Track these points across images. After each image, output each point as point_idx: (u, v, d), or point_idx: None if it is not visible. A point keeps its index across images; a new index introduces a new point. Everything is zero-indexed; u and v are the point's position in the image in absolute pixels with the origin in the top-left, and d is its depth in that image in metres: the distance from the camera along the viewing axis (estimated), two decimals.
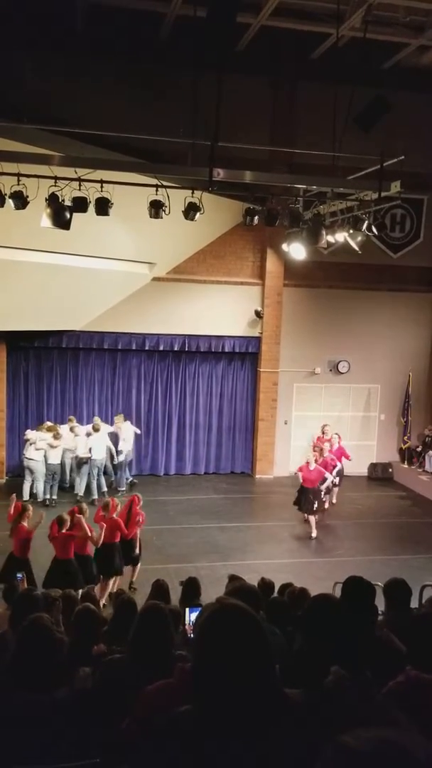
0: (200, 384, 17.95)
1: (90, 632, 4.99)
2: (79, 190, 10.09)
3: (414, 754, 1.14)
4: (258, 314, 17.41)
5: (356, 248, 13.30)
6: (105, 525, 10.42)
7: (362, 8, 12.67)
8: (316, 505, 13.73)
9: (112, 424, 16.03)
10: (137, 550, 11.11)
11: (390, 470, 18.69)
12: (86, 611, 5.24)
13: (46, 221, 10.13)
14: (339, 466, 15.20)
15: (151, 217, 10.70)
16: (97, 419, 15.77)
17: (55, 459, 14.98)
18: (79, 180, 10.00)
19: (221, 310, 17.23)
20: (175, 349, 17.34)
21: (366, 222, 12.14)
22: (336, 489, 15.65)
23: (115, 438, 15.82)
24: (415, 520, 15.36)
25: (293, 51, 15.77)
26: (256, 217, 12.42)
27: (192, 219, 10.91)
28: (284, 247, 15.51)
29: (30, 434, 15.19)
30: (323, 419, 17.46)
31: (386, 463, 18.75)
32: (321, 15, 13.86)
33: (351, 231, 12.60)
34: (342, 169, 12.29)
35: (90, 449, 15.11)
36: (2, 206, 10.02)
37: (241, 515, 15.13)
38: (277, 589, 8.07)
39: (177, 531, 13.54)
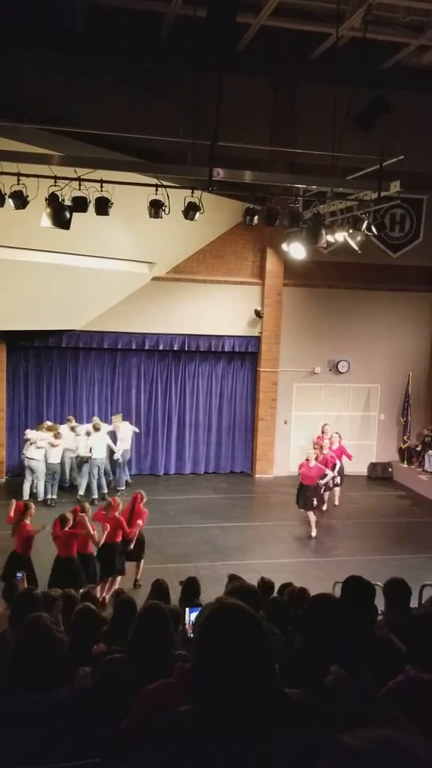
0: (200, 383, 17.95)
1: (90, 632, 5.00)
2: (79, 189, 10.08)
3: (414, 754, 1.15)
4: (258, 314, 17.42)
5: (356, 248, 13.29)
6: (108, 524, 10.45)
7: (362, 8, 12.67)
8: (315, 502, 13.74)
9: (110, 423, 16.03)
10: (137, 547, 11.13)
11: (390, 470, 18.70)
12: (86, 611, 5.25)
13: (46, 221, 10.13)
14: (339, 464, 15.20)
15: (150, 216, 10.70)
16: (96, 419, 15.78)
17: (55, 459, 14.98)
18: (79, 180, 10.00)
19: (221, 310, 17.23)
20: (175, 348, 17.34)
21: (366, 222, 12.14)
22: (337, 489, 15.64)
23: (113, 437, 15.82)
24: (414, 520, 15.36)
25: (293, 51, 15.77)
26: (256, 217, 12.41)
27: (192, 219, 10.91)
28: (284, 246, 15.50)
29: (30, 434, 15.20)
30: (323, 419, 17.45)
31: (386, 462, 18.76)
32: (321, 15, 13.86)
33: (351, 231, 12.60)
34: (342, 169, 12.30)
35: (90, 449, 15.12)
36: (2, 206, 10.01)
37: (241, 515, 15.13)
38: (276, 588, 8.08)
39: (177, 531, 13.54)
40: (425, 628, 3.52)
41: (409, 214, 18.16)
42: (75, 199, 10.10)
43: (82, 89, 14.48)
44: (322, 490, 14.28)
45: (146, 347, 17.15)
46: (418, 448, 18.38)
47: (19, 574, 8.51)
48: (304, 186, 13.62)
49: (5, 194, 9.93)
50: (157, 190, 10.51)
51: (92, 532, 10.18)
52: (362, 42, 12.58)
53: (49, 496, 14.94)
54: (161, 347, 17.23)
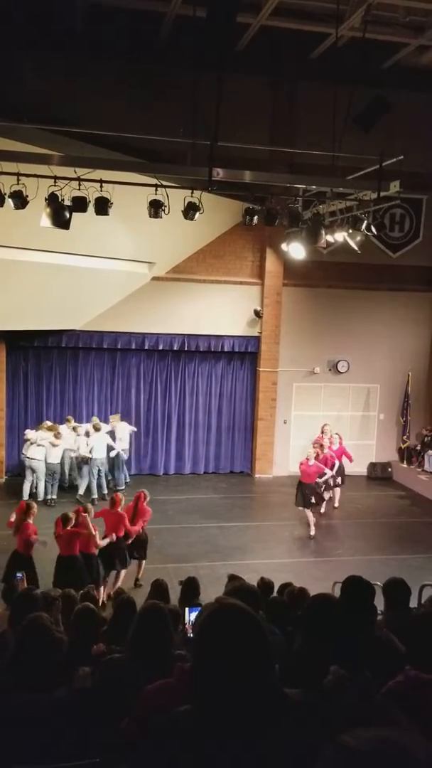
0: (199, 383, 17.95)
1: (89, 632, 5.00)
2: (79, 189, 10.08)
3: (414, 754, 1.15)
4: (257, 314, 17.42)
5: (355, 248, 13.30)
6: (109, 519, 10.51)
7: (362, 8, 12.68)
8: (313, 500, 13.72)
9: (108, 423, 16.03)
10: (140, 547, 11.16)
11: (389, 470, 18.70)
12: (86, 611, 5.25)
13: (45, 221, 10.13)
14: (338, 464, 15.18)
15: (150, 216, 10.70)
16: (95, 419, 15.79)
17: (55, 459, 14.99)
18: (79, 180, 9.99)
19: (221, 310, 17.23)
20: (175, 348, 17.35)
21: (365, 222, 12.14)
22: (338, 490, 15.63)
23: (112, 437, 15.81)
24: (414, 520, 15.36)
25: (293, 51, 15.78)
26: (256, 217, 12.41)
27: (191, 219, 10.91)
28: (284, 246, 15.49)
29: (30, 434, 15.19)
30: (322, 419, 17.45)
31: (385, 462, 18.76)
32: (321, 15, 13.86)
33: (350, 231, 12.60)
34: (341, 169, 12.30)
35: (91, 449, 15.12)
36: (2, 206, 10.01)
37: (241, 515, 15.13)
38: (276, 588, 8.08)
39: (176, 530, 13.54)
40: (425, 628, 3.52)
41: (409, 214, 18.16)
42: (75, 199, 10.10)
43: (82, 89, 14.48)
44: (321, 489, 14.27)
45: (146, 347, 17.16)
46: (418, 448, 18.38)
47: (18, 575, 8.51)
48: (303, 186, 13.62)
49: (5, 194, 9.93)
50: (156, 190, 10.51)
51: (94, 533, 10.19)
52: (362, 42, 12.58)
53: (49, 497, 14.94)
54: (161, 347, 17.23)
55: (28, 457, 14.90)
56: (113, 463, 15.85)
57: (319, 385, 18.22)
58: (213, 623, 1.85)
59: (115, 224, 12.30)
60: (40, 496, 14.80)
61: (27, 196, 9.92)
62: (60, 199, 10.02)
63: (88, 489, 15.25)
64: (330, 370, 18.21)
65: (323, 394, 18.25)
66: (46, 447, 14.88)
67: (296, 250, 14.59)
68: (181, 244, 15.92)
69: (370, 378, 18.49)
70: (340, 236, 12.97)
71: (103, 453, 15.26)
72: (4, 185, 9.92)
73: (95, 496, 15.07)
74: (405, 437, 18.49)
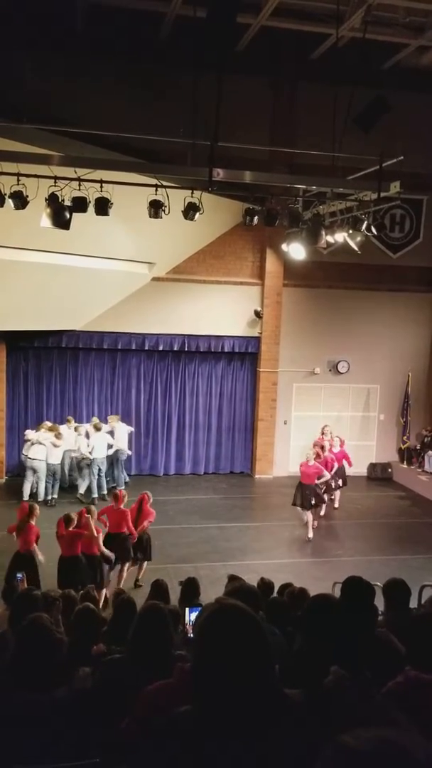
0: (200, 384, 17.95)
1: (90, 632, 4.99)
2: (79, 190, 10.08)
3: (414, 755, 1.15)
4: (257, 314, 17.42)
5: (356, 248, 13.30)
6: (111, 516, 10.62)
7: (362, 9, 12.69)
8: (313, 501, 13.71)
9: (106, 424, 16.03)
10: (142, 548, 11.18)
11: (389, 470, 18.70)
12: (86, 611, 5.25)
13: (45, 221, 10.13)
14: (336, 466, 15.16)
15: (150, 217, 10.70)
16: (95, 419, 15.79)
17: (56, 459, 14.98)
18: (79, 180, 10.00)
19: (221, 310, 17.23)
20: (175, 349, 17.34)
21: (365, 222, 12.15)
22: (338, 492, 15.62)
23: (111, 437, 15.81)
24: (414, 520, 15.36)
25: (293, 51, 15.79)
26: (256, 218, 12.42)
27: (191, 219, 10.91)
28: (284, 247, 15.50)
29: (30, 434, 15.19)
30: (323, 419, 17.46)
31: (385, 463, 18.76)
32: (321, 15, 13.86)
33: (350, 231, 12.60)
34: (342, 170, 12.30)
35: (92, 449, 15.12)
36: (2, 206, 10.01)
37: (241, 515, 15.13)
38: (276, 589, 8.08)
39: (176, 531, 13.53)
40: (425, 629, 3.52)
41: (409, 215, 18.16)
42: (75, 200, 10.10)
43: (82, 89, 14.48)
44: (322, 490, 14.25)
45: (146, 347, 17.15)
46: (418, 449, 18.38)
47: (19, 575, 8.50)
48: (303, 186, 13.62)
49: (5, 194, 9.92)
50: (156, 190, 10.51)
51: (95, 535, 10.18)
52: (362, 42, 12.59)
53: (49, 497, 14.94)
54: (161, 347, 17.23)
55: (29, 458, 14.89)
56: (113, 462, 15.84)
57: (320, 386, 18.22)
58: (213, 624, 1.85)
59: (115, 224, 12.30)
60: (41, 496, 14.79)
61: (27, 196, 9.92)
62: (60, 200, 10.02)
63: (89, 489, 15.25)
64: (330, 370, 18.21)
65: (323, 395, 18.25)
66: (48, 447, 14.87)
67: (296, 251, 14.59)
68: (182, 244, 15.92)
69: (371, 378, 18.49)
70: (340, 237, 12.97)
71: (103, 453, 15.27)
72: (4, 185, 9.91)
73: (95, 495, 15.08)
74: (405, 438, 18.49)
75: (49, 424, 15.52)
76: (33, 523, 9.98)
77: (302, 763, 1.56)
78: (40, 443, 14.88)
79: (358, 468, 17.82)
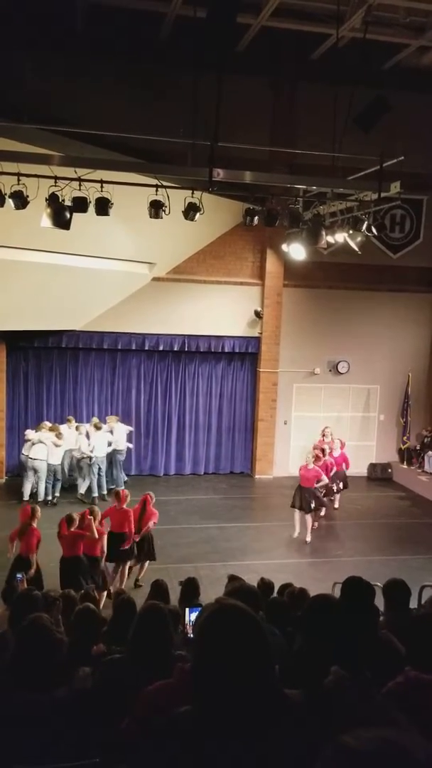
0: (200, 384, 17.95)
1: (89, 632, 4.99)
2: (79, 190, 10.08)
3: (414, 755, 1.14)
4: (258, 314, 17.42)
5: (356, 249, 13.29)
6: (114, 518, 10.66)
7: (362, 9, 12.69)
8: (313, 504, 13.66)
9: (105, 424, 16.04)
10: (145, 548, 11.19)
11: (389, 470, 18.69)
12: (86, 611, 5.24)
13: (46, 221, 10.13)
14: (334, 469, 15.11)
15: (151, 217, 10.70)
16: (95, 419, 15.79)
17: (57, 460, 14.98)
18: (79, 180, 10.00)
19: (221, 311, 17.23)
20: (175, 349, 17.34)
21: (366, 222, 12.14)
22: (338, 495, 15.61)
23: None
24: (414, 521, 15.35)
25: (293, 51, 15.78)
26: (256, 218, 12.42)
27: (192, 219, 10.91)
28: (284, 247, 15.51)
29: (30, 434, 15.18)
30: (323, 420, 17.46)
31: (385, 463, 18.75)
32: (321, 16, 13.86)
33: (351, 231, 12.60)
34: (342, 170, 12.29)
35: (92, 448, 15.13)
36: (2, 206, 10.01)
37: (241, 515, 15.13)
38: (276, 589, 8.07)
39: (176, 531, 13.53)
40: (425, 629, 3.52)
41: (409, 215, 18.16)
42: (75, 200, 10.10)
43: (82, 89, 14.48)
44: (322, 494, 14.21)
45: (146, 348, 17.15)
46: (418, 449, 18.38)
47: (19, 576, 8.50)
48: (304, 187, 13.61)
49: (5, 194, 9.92)
50: (157, 190, 10.51)
51: (97, 537, 10.17)
52: (362, 43, 12.59)
53: (50, 497, 14.94)
54: (161, 348, 17.23)
55: (30, 458, 14.87)
56: (111, 462, 15.83)
57: (320, 386, 18.22)
58: (213, 624, 1.85)
59: (115, 225, 12.30)
60: (41, 496, 14.79)
61: (27, 196, 9.92)
62: (60, 200, 10.02)
63: (89, 489, 15.25)
64: (330, 370, 18.21)
65: (323, 395, 18.25)
66: (49, 447, 14.87)
67: (296, 251, 14.59)
68: (182, 244, 15.92)
69: (371, 379, 18.49)
70: (340, 237, 12.97)
71: (103, 452, 15.28)
72: (4, 185, 9.91)
73: (95, 495, 15.08)
74: (405, 438, 18.49)
75: (49, 424, 15.51)
76: (35, 525, 9.97)
77: (302, 763, 1.56)
78: (42, 443, 14.88)
79: (358, 468, 17.82)
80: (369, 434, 18.76)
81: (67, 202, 10.08)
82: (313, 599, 3.61)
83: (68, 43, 14.22)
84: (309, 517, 13.65)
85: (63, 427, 15.46)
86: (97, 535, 10.15)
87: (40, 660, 3.47)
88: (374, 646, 3.86)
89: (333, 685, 2.58)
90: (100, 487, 15.36)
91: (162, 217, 10.67)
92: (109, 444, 15.53)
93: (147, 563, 11.26)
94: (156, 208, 10.61)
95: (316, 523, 13.99)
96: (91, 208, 10.24)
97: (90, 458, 15.11)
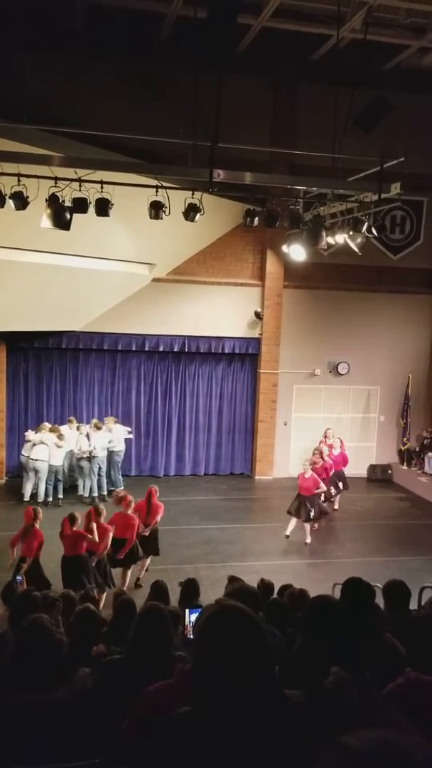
0: (200, 385, 17.95)
1: (89, 633, 4.99)
2: (80, 190, 10.08)
3: (414, 755, 1.14)
4: (258, 315, 17.42)
5: (356, 250, 13.30)
6: (119, 524, 10.65)
7: (363, 10, 12.70)
8: (312, 513, 13.56)
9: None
10: (149, 543, 11.22)
11: (389, 472, 18.69)
12: (86, 612, 5.24)
13: (46, 222, 10.13)
14: (333, 470, 15.08)
15: (151, 218, 10.69)
16: (95, 420, 15.79)
17: (58, 460, 14.97)
18: (80, 181, 10.00)
19: (221, 311, 17.23)
20: (175, 350, 17.34)
21: (366, 223, 12.15)
22: (338, 496, 15.60)
23: None
24: (414, 522, 15.35)
25: (294, 52, 15.80)
26: (256, 219, 12.41)
27: (192, 220, 10.91)
28: (284, 248, 15.51)
29: (30, 435, 15.17)
30: (323, 421, 17.46)
31: (386, 464, 18.75)
32: (321, 16, 13.87)
33: (351, 232, 12.60)
34: (342, 171, 12.29)
35: (93, 447, 15.13)
36: (2, 206, 10.01)
37: (241, 516, 15.12)
38: (276, 590, 8.07)
39: (176, 532, 13.51)
40: (425, 630, 3.52)
41: (410, 216, 18.16)
42: (75, 200, 10.10)
43: (82, 89, 14.48)
44: (322, 499, 14.18)
45: (146, 348, 17.15)
46: (418, 450, 18.37)
47: (18, 577, 8.50)
48: (304, 187, 13.60)
49: (5, 195, 9.92)
50: (157, 191, 10.50)
51: (97, 541, 10.15)
52: (363, 43, 12.60)
53: (50, 499, 14.93)
54: (161, 348, 17.22)
55: (31, 458, 14.86)
56: (110, 463, 15.82)
57: (320, 387, 18.21)
58: (213, 625, 1.85)
59: (115, 225, 12.30)
60: (41, 497, 14.78)
61: (27, 197, 9.92)
62: (60, 200, 10.02)
63: (90, 489, 15.24)
64: (330, 371, 18.20)
65: (323, 396, 18.24)
66: (50, 448, 14.86)
67: (297, 252, 14.59)
68: (182, 245, 15.92)
69: (371, 380, 18.49)
70: (340, 238, 12.97)
71: (104, 451, 15.29)
72: (4, 186, 9.91)
73: (95, 495, 15.08)
74: (405, 439, 18.49)
75: (49, 425, 15.49)
76: (37, 526, 9.96)
77: (302, 764, 1.55)
78: (43, 443, 14.87)
79: (358, 469, 17.83)
80: (369, 435, 18.76)
81: (67, 203, 10.08)
82: (313, 600, 3.60)
83: (68, 43, 14.23)
84: (307, 526, 13.58)
85: (64, 428, 15.45)
86: (98, 539, 10.12)
87: (40, 660, 3.46)
88: (376, 647, 3.86)
89: (333, 685, 2.58)
90: (100, 487, 15.37)
91: (162, 218, 10.67)
92: (110, 442, 15.53)
93: (149, 558, 11.27)
94: (156, 209, 10.61)
95: (316, 525, 13.98)
96: (91, 209, 10.23)
97: (90, 457, 15.10)
